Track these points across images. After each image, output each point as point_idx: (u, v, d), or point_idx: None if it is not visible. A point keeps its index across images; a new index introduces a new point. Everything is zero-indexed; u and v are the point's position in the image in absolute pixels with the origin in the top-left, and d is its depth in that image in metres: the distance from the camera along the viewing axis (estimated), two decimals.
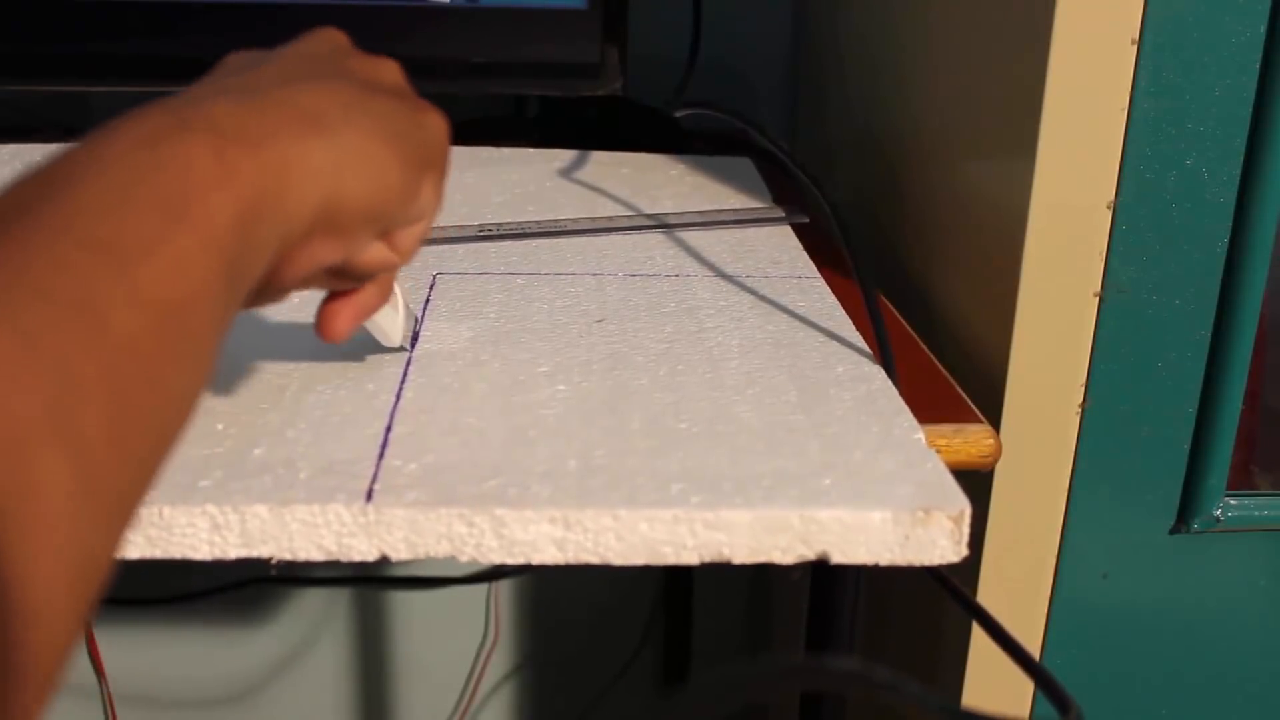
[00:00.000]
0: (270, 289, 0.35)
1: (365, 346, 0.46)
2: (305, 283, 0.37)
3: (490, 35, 0.77)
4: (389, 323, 0.45)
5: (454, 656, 1.17)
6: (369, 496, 0.36)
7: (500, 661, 1.19)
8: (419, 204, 0.38)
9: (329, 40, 0.39)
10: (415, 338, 0.49)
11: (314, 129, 0.33)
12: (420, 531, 0.35)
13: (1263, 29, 0.50)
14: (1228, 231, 0.53)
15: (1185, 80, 0.50)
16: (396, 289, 0.45)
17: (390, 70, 0.39)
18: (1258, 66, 0.50)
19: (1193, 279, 0.53)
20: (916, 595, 0.66)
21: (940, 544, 0.37)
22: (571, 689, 1.20)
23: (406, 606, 1.15)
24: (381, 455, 0.38)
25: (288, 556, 0.35)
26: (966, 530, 0.37)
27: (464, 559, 0.35)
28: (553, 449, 0.39)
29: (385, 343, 0.46)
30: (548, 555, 0.36)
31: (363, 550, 0.35)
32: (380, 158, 0.35)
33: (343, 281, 0.40)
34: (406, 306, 0.47)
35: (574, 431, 0.41)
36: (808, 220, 0.68)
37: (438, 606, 1.15)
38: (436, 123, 0.39)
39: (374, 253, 0.38)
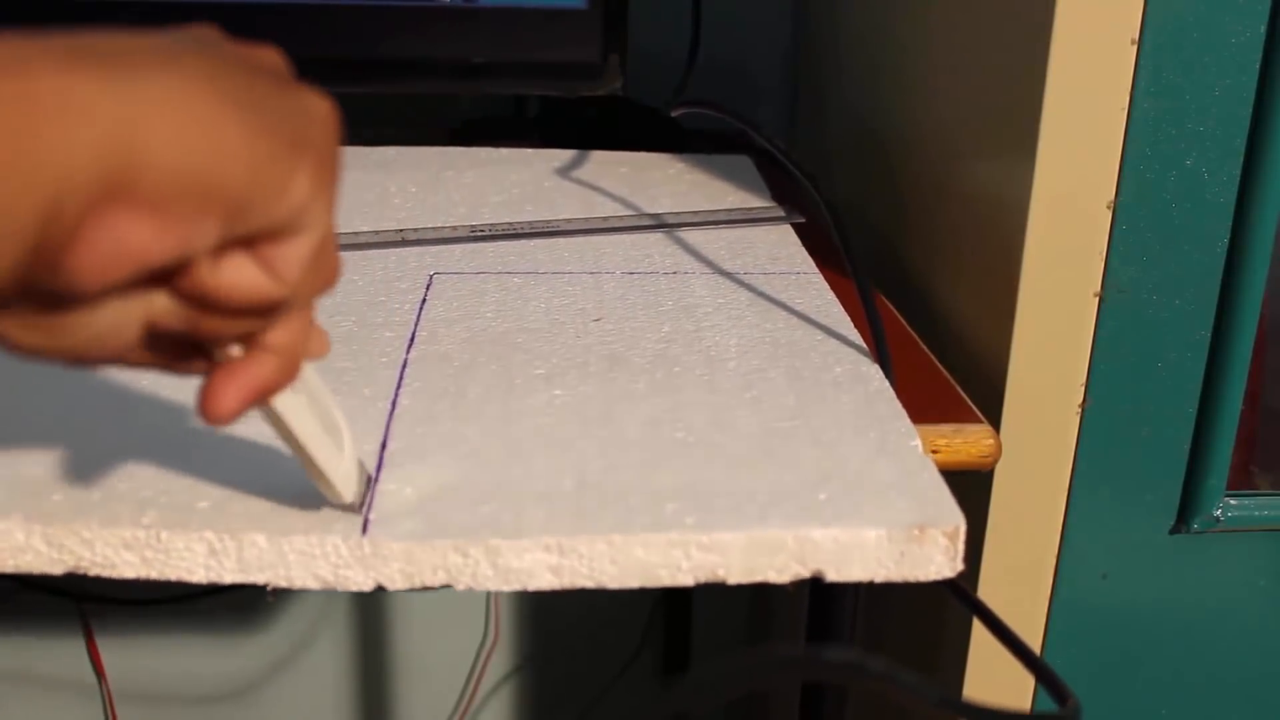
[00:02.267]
0: (64, 300, 0.25)
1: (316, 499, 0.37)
2: (136, 302, 0.27)
3: (490, 35, 0.77)
4: (331, 465, 0.35)
5: (454, 656, 1.17)
6: (364, 528, 0.36)
7: (500, 661, 1.19)
8: (290, 199, 0.28)
9: (197, 31, 0.31)
10: (370, 492, 0.38)
11: (94, 62, 0.24)
12: (416, 563, 0.35)
13: (1263, 29, 0.49)
14: (1228, 231, 0.53)
15: (1185, 80, 0.50)
16: (345, 434, 0.36)
17: (268, 54, 0.31)
18: (1258, 66, 0.50)
19: (1193, 279, 0.53)
20: (917, 591, 0.66)
21: (935, 560, 0.36)
22: (571, 689, 1.20)
23: (406, 606, 1.15)
24: (376, 479, 0.38)
25: (284, 585, 0.35)
26: (961, 545, 0.36)
27: (460, 588, 0.35)
28: (549, 465, 0.39)
29: (331, 498, 0.36)
30: (543, 581, 0.35)
31: (359, 581, 0.35)
32: (212, 112, 0.26)
33: (209, 318, 0.29)
34: (360, 463, 0.37)
35: (570, 443, 0.41)
36: (805, 219, 0.68)
37: (438, 606, 1.15)
38: (321, 106, 0.30)
39: (238, 270, 0.28)
